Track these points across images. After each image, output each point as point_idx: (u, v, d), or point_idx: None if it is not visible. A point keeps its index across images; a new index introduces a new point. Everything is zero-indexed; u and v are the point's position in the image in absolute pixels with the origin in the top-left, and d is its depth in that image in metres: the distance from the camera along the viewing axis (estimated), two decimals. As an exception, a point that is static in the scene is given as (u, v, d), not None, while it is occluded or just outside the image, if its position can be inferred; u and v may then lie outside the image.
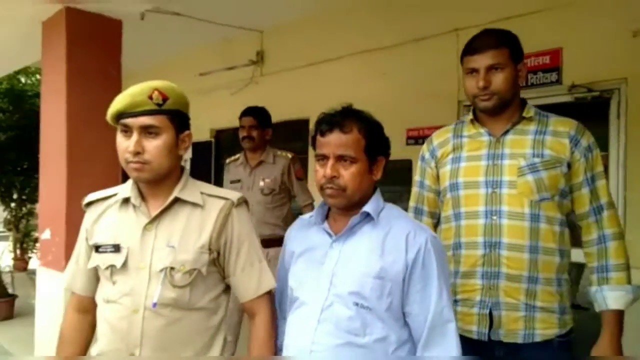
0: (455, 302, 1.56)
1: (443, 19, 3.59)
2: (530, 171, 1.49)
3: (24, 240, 7.79)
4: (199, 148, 5.72)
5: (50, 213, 2.77)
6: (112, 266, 1.33)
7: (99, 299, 1.39)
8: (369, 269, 1.25)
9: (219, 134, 5.89)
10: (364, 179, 1.28)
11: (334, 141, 1.26)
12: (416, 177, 1.75)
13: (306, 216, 1.46)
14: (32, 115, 6.85)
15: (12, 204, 7.46)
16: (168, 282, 1.29)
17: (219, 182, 3.36)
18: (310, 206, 3.18)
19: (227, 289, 1.42)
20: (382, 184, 1.49)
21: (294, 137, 5.12)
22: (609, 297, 1.46)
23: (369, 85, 4.19)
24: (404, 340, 1.27)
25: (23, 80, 7.41)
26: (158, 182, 1.34)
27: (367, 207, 1.30)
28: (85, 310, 1.44)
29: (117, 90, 2.76)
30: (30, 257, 7.87)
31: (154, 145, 1.28)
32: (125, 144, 1.29)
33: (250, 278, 1.37)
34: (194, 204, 1.36)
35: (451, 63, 3.60)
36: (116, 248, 1.34)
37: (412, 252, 1.25)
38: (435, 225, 1.73)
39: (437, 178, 1.69)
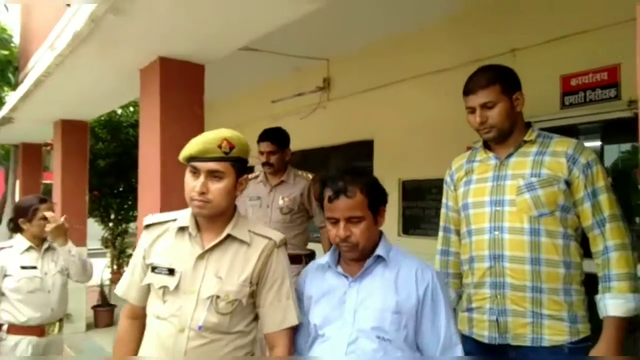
0: (471, 309, 1.72)
1: (500, 40, 3.70)
2: (528, 190, 1.62)
3: (120, 256, 8.55)
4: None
5: (147, 231, 3.20)
6: (165, 287, 1.48)
7: (149, 313, 1.55)
8: (387, 305, 1.41)
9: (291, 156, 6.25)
10: (372, 231, 1.46)
11: (341, 206, 1.42)
12: (443, 199, 1.93)
13: (319, 262, 1.60)
14: (126, 144, 7.61)
15: (110, 224, 8.26)
16: (213, 309, 1.44)
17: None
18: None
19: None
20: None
21: (359, 157, 5.34)
22: (609, 304, 1.55)
23: (430, 105, 4.34)
24: None
25: (119, 111, 8.18)
26: (214, 218, 1.49)
27: (379, 251, 1.47)
28: (136, 317, 1.61)
29: (201, 125, 3.16)
30: (125, 271, 8.59)
31: (217, 187, 1.44)
32: (192, 184, 1.45)
33: (277, 312, 1.50)
34: (242, 241, 1.50)
35: (509, 82, 3.70)
36: (171, 272, 1.48)
37: (422, 288, 1.43)
38: None
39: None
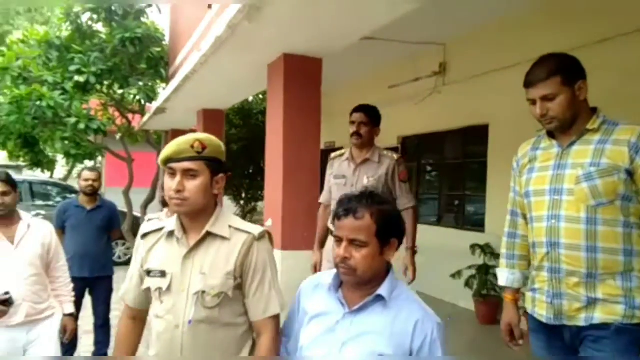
0: (534, 290, 1.80)
1: (627, 18, 3.49)
2: (586, 179, 1.63)
3: (250, 231, 9.43)
4: (388, 153, 6.34)
5: (272, 207, 3.66)
6: (159, 288, 1.57)
7: (151, 314, 1.64)
8: (376, 349, 1.36)
9: (405, 140, 6.38)
10: (374, 260, 1.39)
11: (347, 226, 1.38)
12: (511, 184, 1.98)
13: (321, 280, 1.56)
14: (256, 130, 8.37)
15: (241, 202, 9.18)
16: (200, 304, 1.51)
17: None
18: (412, 209, 3.03)
19: None
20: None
21: (473, 141, 5.34)
22: None
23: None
24: None
25: (250, 98, 8.97)
26: (195, 216, 1.56)
27: (382, 290, 1.40)
28: (135, 318, 1.71)
29: (318, 113, 3.51)
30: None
31: (193, 185, 1.51)
32: (170, 184, 1.52)
33: (260, 302, 1.56)
34: (223, 237, 1.56)
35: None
36: (163, 274, 1.57)
37: (418, 341, 1.36)
38: None
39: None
